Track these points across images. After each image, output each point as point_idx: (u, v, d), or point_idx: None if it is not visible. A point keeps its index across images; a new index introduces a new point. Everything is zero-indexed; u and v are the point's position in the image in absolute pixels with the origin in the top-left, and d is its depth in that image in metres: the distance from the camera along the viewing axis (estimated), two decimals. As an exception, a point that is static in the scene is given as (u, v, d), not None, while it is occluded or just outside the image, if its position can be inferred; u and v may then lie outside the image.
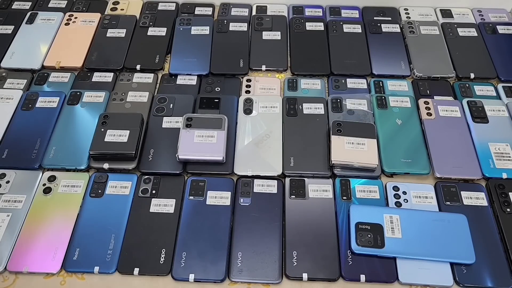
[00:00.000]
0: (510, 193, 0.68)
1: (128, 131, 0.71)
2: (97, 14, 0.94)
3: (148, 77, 0.84)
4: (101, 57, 0.86)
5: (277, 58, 0.87)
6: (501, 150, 0.73)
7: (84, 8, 0.97)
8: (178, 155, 0.69)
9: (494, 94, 0.82)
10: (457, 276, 0.61)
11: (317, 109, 0.78)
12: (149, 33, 0.91)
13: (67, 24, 0.92)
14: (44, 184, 0.69)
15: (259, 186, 0.69)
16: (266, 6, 0.98)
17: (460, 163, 0.71)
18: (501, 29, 0.93)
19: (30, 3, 0.98)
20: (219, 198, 0.67)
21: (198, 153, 0.69)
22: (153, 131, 0.74)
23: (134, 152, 0.69)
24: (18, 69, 0.85)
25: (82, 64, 0.85)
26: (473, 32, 0.92)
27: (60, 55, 0.86)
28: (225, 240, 0.63)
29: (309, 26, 0.93)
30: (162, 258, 0.62)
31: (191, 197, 0.67)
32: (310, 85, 0.83)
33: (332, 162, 0.69)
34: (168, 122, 0.76)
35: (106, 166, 0.70)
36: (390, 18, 0.96)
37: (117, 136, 0.70)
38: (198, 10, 0.97)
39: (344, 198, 0.68)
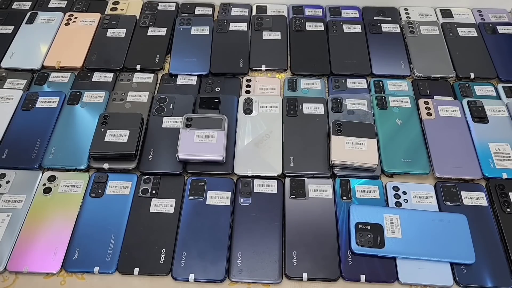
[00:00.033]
0: (510, 193, 0.68)
1: (128, 131, 0.71)
2: (97, 14, 0.94)
3: (148, 77, 0.84)
4: (101, 57, 0.86)
5: (277, 58, 0.87)
6: (501, 150, 0.73)
7: (84, 8, 0.97)
8: (178, 155, 0.69)
9: (494, 94, 0.82)
10: (457, 276, 0.61)
11: (317, 109, 0.78)
12: (149, 33, 0.91)
13: (67, 24, 0.92)
14: (44, 184, 0.69)
15: (259, 186, 0.69)
16: (266, 6, 0.98)
17: (460, 163, 0.71)
18: (501, 29, 0.93)
19: (30, 3, 0.98)
20: (219, 198, 0.67)
21: (198, 153, 0.69)
22: (153, 131, 0.74)
23: (134, 152, 0.69)
24: (18, 69, 0.85)
25: (82, 64, 0.85)
26: (473, 32, 0.92)
27: (60, 55, 0.86)
28: (225, 240, 0.63)
29: (309, 26, 0.93)
30: (162, 258, 0.62)
31: (191, 197, 0.67)
32: (310, 85, 0.83)
33: (332, 162, 0.69)
34: (168, 122, 0.76)
35: (106, 166, 0.70)
36: (390, 18, 0.95)
37: (117, 136, 0.70)
38: (198, 10, 0.97)
39: (344, 198, 0.68)
